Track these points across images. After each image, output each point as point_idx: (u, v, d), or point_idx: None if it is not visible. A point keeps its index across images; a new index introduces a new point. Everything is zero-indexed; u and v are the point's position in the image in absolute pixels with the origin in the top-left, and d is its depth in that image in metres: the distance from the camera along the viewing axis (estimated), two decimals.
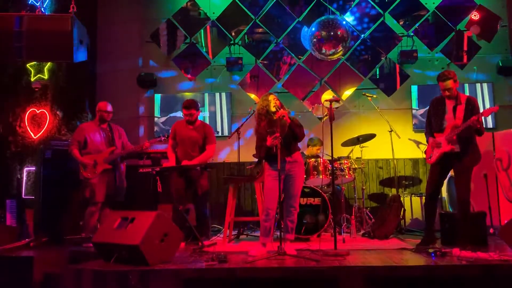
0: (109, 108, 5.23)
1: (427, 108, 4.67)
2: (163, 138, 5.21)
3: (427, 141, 4.50)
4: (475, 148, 4.26)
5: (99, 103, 5.29)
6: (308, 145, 6.03)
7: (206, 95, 7.10)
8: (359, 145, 5.83)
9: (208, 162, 5.20)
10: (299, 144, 4.26)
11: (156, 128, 7.02)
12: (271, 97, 4.14)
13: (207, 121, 6.76)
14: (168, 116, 7.06)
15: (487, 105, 6.76)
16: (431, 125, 4.48)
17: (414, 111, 6.83)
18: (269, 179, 4.09)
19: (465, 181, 4.21)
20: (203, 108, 7.03)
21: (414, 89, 6.86)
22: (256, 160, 5.29)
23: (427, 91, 6.66)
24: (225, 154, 6.95)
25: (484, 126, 4.29)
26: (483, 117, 4.14)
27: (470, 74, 6.96)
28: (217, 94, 7.11)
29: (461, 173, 4.25)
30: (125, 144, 5.31)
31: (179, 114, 6.97)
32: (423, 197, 5.58)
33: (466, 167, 4.22)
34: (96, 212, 4.98)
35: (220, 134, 6.89)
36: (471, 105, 4.24)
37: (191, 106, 5.00)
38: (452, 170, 4.45)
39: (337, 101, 4.89)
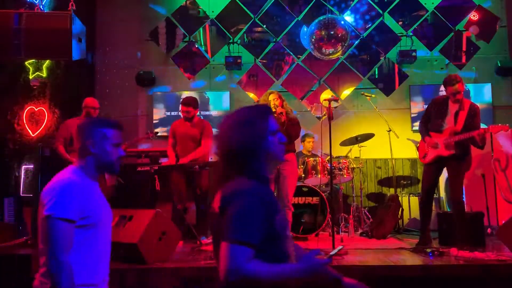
0: (96, 104, 5.04)
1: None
2: (151, 135, 5.17)
3: (423, 139, 4.49)
4: (469, 154, 4.30)
5: (86, 98, 5.13)
6: (301, 141, 6.07)
7: (205, 93, 7.10)
8: (357, 145, 5.83)
9: (207, 160, 5.15)
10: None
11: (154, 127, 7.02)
12: (271, 97, 4.14)
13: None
14: (166, 114, 7.06)
15: (486, 105, 6.77)
16: (428, 124, 4.47)
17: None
18: None
19: (459, 183, 4.24)
20: (202, 107, 7.02)
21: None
22: None
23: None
24: None
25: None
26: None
27: (469, 74, 6.96)
28: (216, 93, 7.10)
29: (455, 176, 4.28)
30: None
31: (176, 113, 6.97)
32: None
33: (459, 171, 4.25)
34: None
35: None
36: (473, 112, 4.24)
37: (190, 103, 4.98)
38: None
39: (336, 100, 4.90)
